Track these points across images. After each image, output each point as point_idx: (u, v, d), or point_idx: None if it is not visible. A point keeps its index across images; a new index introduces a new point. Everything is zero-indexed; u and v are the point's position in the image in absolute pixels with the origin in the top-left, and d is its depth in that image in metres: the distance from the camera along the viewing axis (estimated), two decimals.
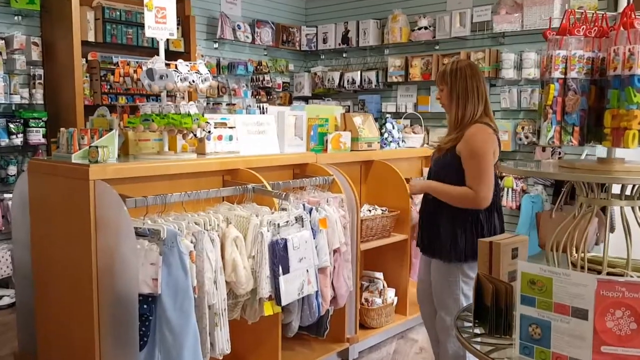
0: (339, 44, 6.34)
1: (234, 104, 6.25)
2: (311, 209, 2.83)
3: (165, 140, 2.86)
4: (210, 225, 2.46)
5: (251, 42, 6.13)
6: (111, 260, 2.31)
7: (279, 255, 2.53)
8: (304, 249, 2.65)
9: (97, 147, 2.44)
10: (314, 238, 2.76)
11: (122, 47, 4.82)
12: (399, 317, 3.67)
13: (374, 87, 6.06)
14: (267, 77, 6.39)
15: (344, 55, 6.54)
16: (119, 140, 2.70)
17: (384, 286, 3.56)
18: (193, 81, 2.76)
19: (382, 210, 3.62)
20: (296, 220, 2.67)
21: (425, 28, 5.64)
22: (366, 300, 3.47)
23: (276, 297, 2.55)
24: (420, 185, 2.67)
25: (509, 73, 5.11)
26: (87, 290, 2.37)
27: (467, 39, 5.50)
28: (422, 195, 2.77)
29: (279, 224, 2.56)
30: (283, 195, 2.62)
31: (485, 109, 2.54)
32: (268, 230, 2.53)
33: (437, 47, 5.73)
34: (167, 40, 3.39)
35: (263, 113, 6.06)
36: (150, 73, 2.62)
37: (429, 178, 2.67)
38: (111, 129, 2.65)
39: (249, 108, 6.18)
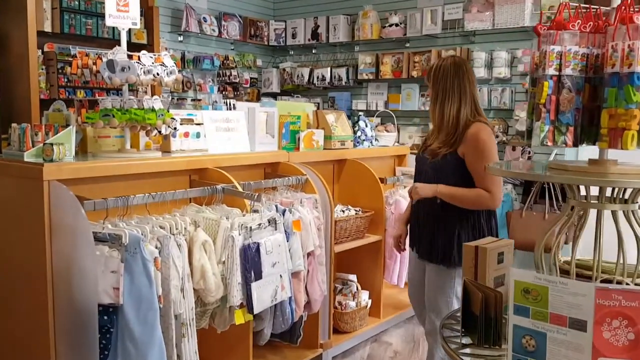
0: (309, 40, 6.21)
1: (200, 100, 6.07)
2: (284, 211, 2.69)
3: (127, 137, 2.68)
4: (176, 229, 2.29)
5: (217, 35, 5.94)
6: (68, 268, 2.12)
7: (251, 261, 2.39)
8: (277, 253, 2.51)
9: (52, 144, 2.24)
10: (288, 241, 2.63)
11: (80, 38, 4.58)
12: (372, 320, 3.57)
13: (344, 84, 5.95)
14: (234, 72, 6.21)
15: (313, 51, 6.40)
16: (76, 137, 2.50)
17: (357, 289, 3.45)
18: (157, 74, 2.58)
19: (355, 210, 3.51)
20: (269, 222, 2.53)
21: (396, 25, 5.56)
22: (339, 303, 3.36)
23: (248, 304, 2.40)
24: (430, 189, 2.44)
25: (479, 72, 5.06)
26: (41, 300, 2.17)
27: (438, 37, 5.44)
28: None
29: (250, 227, 2.42)
30: (255, 197, 2.47)
31: (476, 108, 2.46)
32: (239, 234, 2.38)
33: (407, 45, 5.66)
34: (129, 31, 3.20)
35: (230, 109, 5.89)
36: (110, 65, 2.44)
37: (419, 181, 2.53)
38: (68, 125, 2.46)
39: (215, 104, 6.01)
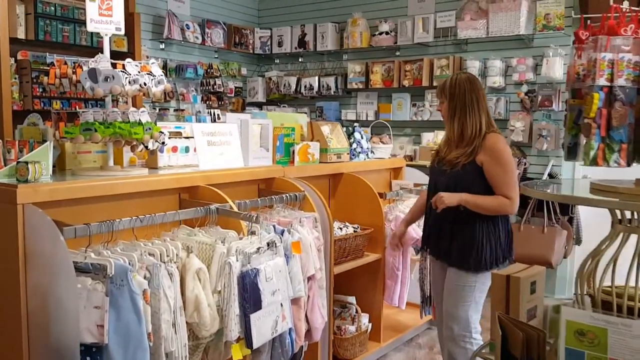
0: (295, 48, 6.02)
1: (183, 110, 5.82)
2: (283, 231, 2.48)
3: (110, 153, 2.44)
4: (167, 255, 2.06)
5: (201, 43, 5.71)
6: (45, 303, 1.88)
7: (250, 289, 2.16)
8: (277, 279, 2.29)
9: (26, 162, 2.00)
10: (287, 265, 2.41)
11: (57, 45, 4.31)
12: (372, 344, 3.36)
13: (332, 93, 5.76)
14: (218, 81, 5.97)
15: (300, 60, 6.21)
16: (53, 154, 2.26)
17: (357, 311, 3.25)
18: (144, 84, 2.36)
19: (353, 228, 3.31)
20: (268, 246, 2.31)
21: (387, 33, 5.40)
22: (338, 328, 3.15)
23: (247, 338, 2.17)
24: (455, 198, 2.51)
25: None
26: (15, 340, 1.92)
27: (429, 45, 5.30)
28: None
29: (249, 252, 2.20)
30: (254, 218, 2.25)
31: (489, 119, 2.61)
32: (237, 260, 2.16)
33: (398, 53, 5.51)
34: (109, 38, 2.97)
35: (214, 120, 5.66)
36: (93, 74, 2.21)
37: (435, 191, 2.60)
38: (44, 141, 2.22)
39: (199, 114, 5.79)
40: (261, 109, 6.30)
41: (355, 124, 3.86)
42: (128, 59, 2.39)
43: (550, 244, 4.38)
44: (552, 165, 4.74)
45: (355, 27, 5.54)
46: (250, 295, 2.16)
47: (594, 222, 4.77)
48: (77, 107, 4.37)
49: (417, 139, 5.39)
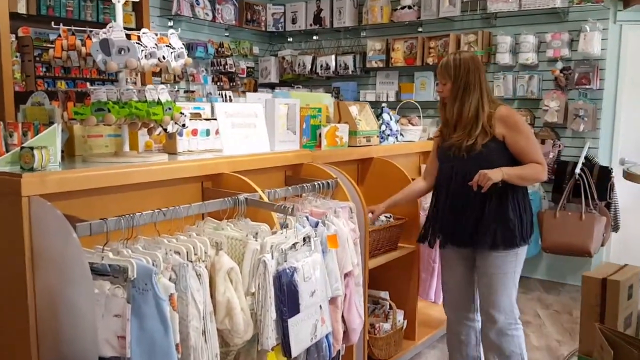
0: (310, 25, 5.70)
1: (193, 92, 5.54)
2: (317, 223, 2.22)
3: (125, 137, 2.17)
4: (195, 254, 1.80)
5: (211, 20, 5.40)
6: (57, 311, 1.62)
7: (287, 291, 1.91)
8: (315, 278, 2.04)
9: (32, 148, 1.73)
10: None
11: (60, 21, 3.99)
12: (408, 343, 3.12)
13: (350, 73, 5.47)
14: (229, 61, 5.68)
15: (315, 38, 5.90)
16: (62, 138, 1.99)
17: (391, 308, 3.00)
18: (163, 57, 2.08)
19: (386, 217, 3.05)
20: (304, 241, 2.05)
21: (409, 7, 5.09)
22: (372, 326, 2.90)
23: (284, 346, 1.93)
24: (499, 173, 2.39)
25: (504, 58, 4.64)
26: (23, 354, 1.68)
27: (455, 20, 4.99)
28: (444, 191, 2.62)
29: (284, 249, 1.94)
30: (290, 210, 1.99)
31: (490, 98, 2.54)
32: (272, 258, 1.90)
33: (420, 29, 5.19)
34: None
35: (225, 102, 5.38)
36: (105, 45, 1.93)
37: (456, 180, 2.53)
38: (51, 123, 1.95)
39: (210, 96, 5.50)
40: (273, 90, 6.01)
41: (384, 104, 3.58)
42: (144, 29, 2.11)
43: (589, 231, 4.12)
44: (589, 148, 4.45)
45: (375, 1, 5.22)
46: (287, 298, 1.91)
47: (631, 207, 4.53)
48: (81, 87, 4.10)
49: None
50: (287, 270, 1.92)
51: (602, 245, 4.31)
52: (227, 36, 5.81)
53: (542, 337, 3.61)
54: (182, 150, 2.44)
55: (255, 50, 6.07)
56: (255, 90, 6.01)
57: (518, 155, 2.46)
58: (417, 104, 3.99)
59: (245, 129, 2.45)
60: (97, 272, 1.62)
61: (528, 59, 4.56)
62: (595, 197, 4.26)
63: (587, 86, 4.37)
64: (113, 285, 1.61)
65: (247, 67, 5.97)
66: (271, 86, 6.07)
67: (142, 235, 1.82)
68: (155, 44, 2.10)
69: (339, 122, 3.12)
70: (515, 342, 2.54)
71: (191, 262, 1.77)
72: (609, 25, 4.33)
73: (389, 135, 3.43)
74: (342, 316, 2.37)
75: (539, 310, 4.09)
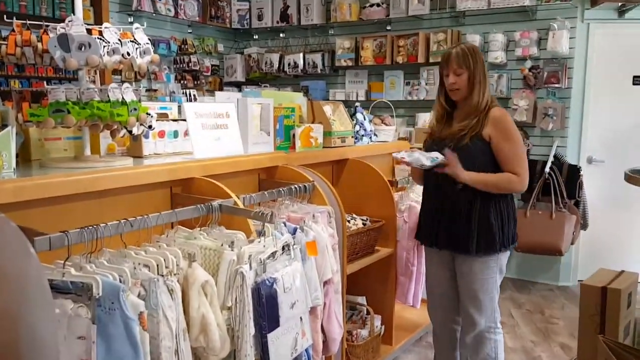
0: (277, 22, 5.57)
1: (155, 90, 5.33)
2: (295, 230, 2.10)
3: (86, 140, 2.01)
4: (166, 267, 1.66)
5: (174, 16, 5.21)
6: (14, 334, 1.45)
7: (267, 304, 1.79)
8: (296, 289, 1.92)
9: None
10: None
11: (13, 16, 3.75)
12: (385, 348, 3.04)
13: (319, 71, 5.36)
14: (193, 59, 5.50)
15: (281, 35, 5.77)
16: (16, 141, 1.82)
17: (369, 313, 2.91)
18: (127, 54, 1.93)
19: (362, 220, 2.95)
20: (283, 249, 1.93)
21: (378, 5, 5.02)
22: (349, 333, 2.80)
23: None
24: (465, 175, 2.34)
25: None
26: None
27: (424, 18, 4.94)
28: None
29: (263, 259, 1.82)
30: (268, 216, 1.87)
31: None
32: (250, 269, 1.78)
33: (389, 28, 5.13)
34: (72, 6, 2.50)
35: (190, 101, 5.20)
36: (64, 41, 1.77)
37: (439, 175, 2.40)
38: (5, 125, 1.78)
39: (173, 95, 5.30)
40: (240, 89, 5.85)
41: (357, 104, 3.49)
42: (106, 24, 1.95)
43: (560, 230, 4.14)
44: (557, 146, 4.47)
45: None
46: (266, 311, 1.79)
47: (598, 205, 4.57)
48: (36, 87, 3.86)
49: (411, 120, 5.06)
50: (267, 282, 1.80)
51: (572, 243, 4.33)
52: (191, 33, 5.62)
53: (517, 338, 3.59)
54: (148, 153, 2.29)
55: (220, 47, 5.90)
56: (220, 89, 5.84)
57: (499, 160, 2.39)
58: (390, 103, 3.92)
59: (217, 130, 2.31)
60: (58, 290, 1.46)
61: (497, 57, 4.55)
62: (565, 195, 4.28)
63: (556, 85, 4.39)
64: (76, 305, 1.46)
65: (212, 65, 5.80)
66: (237, 85, 5.91)
67: (107, 248, 1.67)
68: (119, 40, 1.95)
69: (312, 122, 3.01)
70: (492, 346, 2.50)
71: (162, 276, 1.63)
72: (577, 23, 4.36)
73: (363, 135, 3.34)
74: (322, 326, 2.26)
75: (512, 310, 4.07)
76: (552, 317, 3.95)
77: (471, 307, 2.46)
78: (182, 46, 5.44)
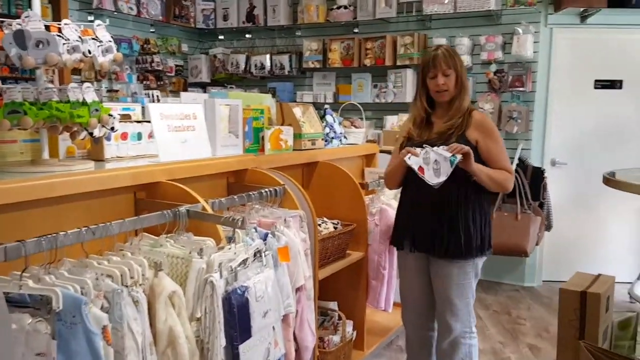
0: (243, 22, 5.48)
1: (117, 91, 5.16)
2: (266, 235, 2.03)
3: (44, 143, 1.90)
4: (131, 277, 1.57)
5: (136, 14, 5.06)
6: None
7: (238, 313, 1.72)
8: (268, 297, 1.86)
9: None
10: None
11: None
12: (357, 354, 2.99)
13: (286, 73, 5.30)
14: (156, 59, 5.36)
15: (247, 36, 5.68)
16: None
17: (340, 318, 2.86)
18: (89, 52, 1.82)
19: (333, 224, 2.91)
20: (254, 256, 1.86)
21: (345, 7, 4.99)
22: (321, 340, 2.74)
23: None
24: (474, 164, 2.27)
25: None
26: None
27: (390, 21, 4.94)
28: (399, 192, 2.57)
29: (234, 267, 1.74)
30: (239, 222, 1.79)
31: None
32: (221, 277, 1.70)
33: (356, 30, 5.10)
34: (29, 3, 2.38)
35: (153, 102, 5.06)
36: (20, 37, 1.66)
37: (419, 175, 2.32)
38: None
39: (135, 96, 5.15)
40: (205, 90, 5.73)
41: (326, 106, 3.44)
42: (65, 20, 1.85)
43: (525, 231, 4.18)
44: (521, 149, 4.53)
45: (311, 0, 5.08)
46: (238, 321, 1.72)
47: (561, 206, 4.65)
48: None
49: (378, 122, 5.04)
50: (238, 290, 1.73)
51: (537, 244, 4.39)
52: (153, 32, 5.48)
53: (486, 339, 3.60)
54: (110, 156, 2.19)
55: (184, 47, 5.77)
56: (185, 90, 5.71)
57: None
58: (360, 106, 3.89)
59: (184, 132, 2.23)
60: (14, 303, 1.36)
61: (463, 61, 4.56)
62: (529, 197, 4.33)
63: (521, 88, 4.44)
64: (34, 319, 1.36)
65: (176, 66, 5.66)
66: (202, 86, 5.79)
67: (67, 258, 1.57)
68: (79, 37, 1.84)
69: (282, 125, 2.94)
70: (467, 351, 2.48)
71: (126, 287, 1.54)
72: (541, 28, 4.42)
73: (332, 138, 3.29)
74: (294, 334, 2.20)
75: (480, 311, 4.09)
76: (519, 318, 3.99)
77: (447, 313, 2.43)
78: (145, 46, 5.29)
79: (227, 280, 1.73)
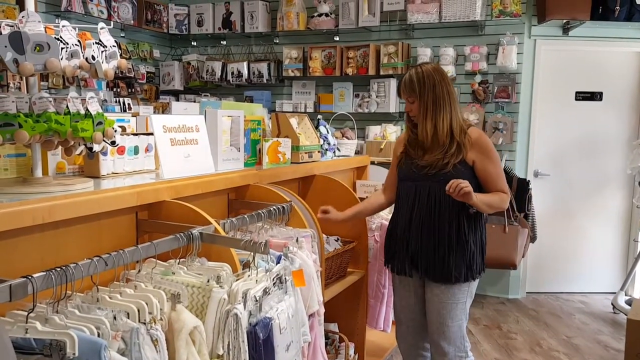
0: (219, 29, 5.29)
1: (105, 100, 4.89)
2: (279, 258, 1.88)
3: (36, 159, 1.69)
4: (149, 312, 1.39)
5: (106, 18, 4.80)
6: None
7: (264, 349, 1.56)
8: (290, 328, 1.70)
9: None
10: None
11: None
12: None
13: (265, 81, 5.14)
14: (127, 65, 5.09)
15: (223, 43, 5.49)
16: None
17: (342, 341, 2.72)
18: (92, 58, 1.64)
19: (334, 239, 2.77)
20: (273, 283, 1.71)
21: (327, 15, 4.88)
22: None
23: None
24: (473, 194, 2.16)
25: None
26: None
27: (373, 30, 4.86)
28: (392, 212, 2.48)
29: (258, 296, 1.58)
30: (262, 247, 1.63)
31: (460, 113, 2.36)
32: (245, 309, 1.54)
33: (337, 38, 5.00)
34: None
35: (125, 110, 4.81)
36: (16, 40, 1.46)
37: (422, 202, 2.31)
38: None
39: (106, 103, 4.88)
40: (178, 99, 5.52)
41: (319, 117, 3.31)
42: (64, 22, 1.66)
43: (514, 243, 4.14)
44: (506, 160, 4.52)
45: (291, 7, 4.95)
46: (264, 357, 1.56)
47: (544, 218, 4.66)
48: None
49: (360, 132, 4.94)
50: (263, 323, 1.57)
51: (523, 256, 4.37)
52: (124, 37, 5.23)
53: (481, 356, 3.52)
54: (105, 172, 1.98)
55: (156, 53, 5.54)
56: (157, 98, 5.47)
57: (485, 181, 2.30)
58: (350, 116, 3.77)
59: (187, 146, 2.05)
60: (21, 349, 1.17)
61: (448, 71, 4.52)
62: (515, 209, 4.31)
63: (506, 99, 4.43)
64: None
65: (147, 72, 5.42)
66: (174, 93, 5.57)
67: (76, 292, 1.38)
68: (78, 41, 1.65)
69: (278, 136, 2.79)
70: None
71: (144, 323, 1.37)
72: (524, 39, 4.43)
73: (327, 149, 3.16)
74: None
75: (470, 326, 4.02)
76: (510, 332, 3.94)
77: (440, 335, 2.35)
78: None
79: (250, 311, 1.56)
